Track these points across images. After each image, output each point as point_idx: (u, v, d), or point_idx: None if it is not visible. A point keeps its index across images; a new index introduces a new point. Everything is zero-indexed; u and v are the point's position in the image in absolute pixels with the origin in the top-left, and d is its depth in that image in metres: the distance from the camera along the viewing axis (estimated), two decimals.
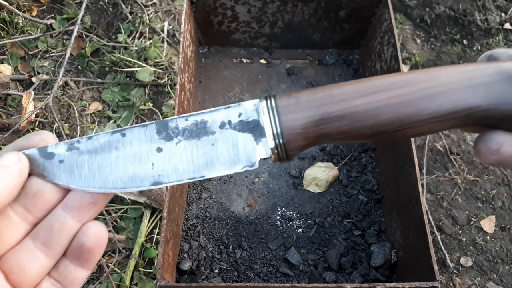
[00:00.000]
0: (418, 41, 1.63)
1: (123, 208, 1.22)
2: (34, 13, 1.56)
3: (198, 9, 1.22)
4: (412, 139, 0.96)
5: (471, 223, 1.28)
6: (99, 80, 1.45)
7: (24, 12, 1.52)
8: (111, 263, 1.14)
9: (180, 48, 1.05)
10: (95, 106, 1.40)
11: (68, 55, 1.33)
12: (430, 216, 1.26)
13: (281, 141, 0.36)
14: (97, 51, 1.50)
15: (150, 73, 1.42)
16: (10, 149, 0.35)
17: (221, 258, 1.02)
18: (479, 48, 1.61)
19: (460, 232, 1.26)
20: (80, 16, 1.39)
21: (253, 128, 0.36)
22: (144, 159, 0.35)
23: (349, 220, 1.08)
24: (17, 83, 1.43)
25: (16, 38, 1.46)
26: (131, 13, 1.56)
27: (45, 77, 1.43)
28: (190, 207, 1.09)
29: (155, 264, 1.14)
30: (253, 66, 1.34)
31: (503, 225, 1.28)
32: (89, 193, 0.35)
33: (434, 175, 1.34)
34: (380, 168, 1.15)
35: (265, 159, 0.37)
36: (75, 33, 1.36)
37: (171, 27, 1.55)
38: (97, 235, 0.34)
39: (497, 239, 1.26)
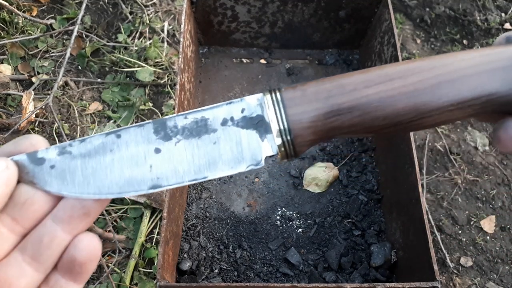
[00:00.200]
0: (418, 41, 1.63)
1: (123, 208, 1.22)
2: (34, 13, 1.56)
3: (198, 9, 1.22)
4: (412, 139, 0.96)
5: (471, 223, 1.28)
6: (99, 80, 1.45)
7: (24, 12, 1.52)
8: (111, 263, 1.14)
9: (180, 48, 1.05)
10: (95, 106, 1.40)
11: (68, 55, 1.33)
12: (430, 216, 1.26)
13: (288, 136, 0.33)
14: (97, 51, 1.50)
15: (150, 73, 1.42)
16: None
17: (221, 258, 1.02)
18: (479, 48, 1.61)
19: (460, 232, 1.26)
20: (80, 16, 1.39)
21: (258, 124, 0.34)
22: (141, 161, 0.33)
23: (349, 220, 1.08)
24: (17, 83, 1.43)
25: (16, 38, 1.46)
26: (131, 13, 1.56)
27: (45, 77, 1.43)
28: (190, 207, 1.09)
29: (155, 264, 1.14)
30: (253, 66, 1.34)
31: (503, 225, 1.28)
32: (80, 204, 0.32)
33: (434, 175, 1.34)
34: (380, 168, 1.15)
35: (271, 156, 0.34)
36: (75, 33, 1.36)
37: (171, 27, 1.55)
38: (90, 248, 0.32)
39: (497, 239, 1.26)
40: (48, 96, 1.27)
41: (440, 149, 1.39)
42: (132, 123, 1.37)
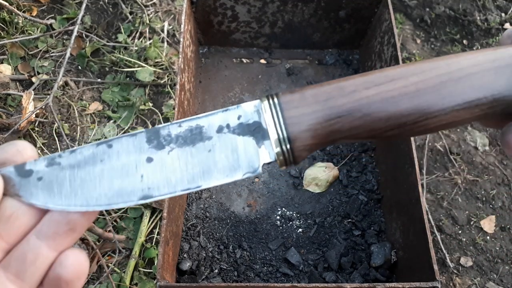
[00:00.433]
0: (418, 41, 1.63)
1: (123, 208, 1.22)
2: (34, 13, 1.56)
3: (198, 9, 1.22)
4: (412, 139, 0.96)
5: (471, 223, 1.28)
6: (99, 80, 1.45)
7: (24, 12, 1.52)
8: (111, 263, 1.14)
9: (180, 48, 1.05)
10: (95, 106, 1.40)
11: (68, 55, 1.33)
12: (430, 216, 1.26)
13: (286, 141, 0.32)
14: (97, 51, 1.50)
15: (150, 73, 1.42)
16: None
17: (221, 258, 1.02)
18: (479, 48, 1.61)
19: (460, 232, 1.26)
20: (80, 16, 1.39)
21: (254, 130, 0.33)
22: (132, 171, 0.32)
23: (349, 220, 1.08)
24: (17, 83, 1.43)
25: (16, 38, 1.46)
26: (131, 13, 1.56)
27: (45, 77, 1.43)
28: (190, 207, 1.09)
29: (155, 264, 1.14)
30: (253, 66, 1.34)
31: (503, 225, 1.28)
32: (65, 219, 0.31)
33: (434, 175, 1.34)
34: (380, 168, 1.15)
35: (269, 163, 0.33)
36: (75, 33, 1.36)
37: (171, 27, 1.55)
38: (76, 265, 0.31)
39: (497, 239, 1.26)
40: (48, 96, 1.27)
41: (440, 149, 1.39)
42: (132, 123, 1.37)
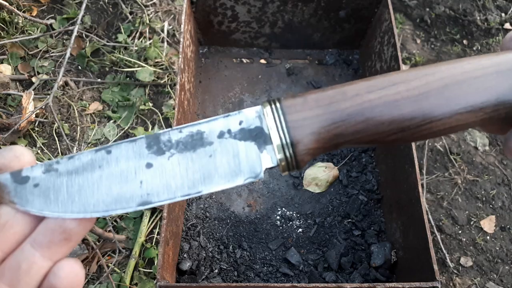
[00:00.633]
0: (418, 41, 1.63)
1: None
2: (34, 13, 1.56)
3: (198, 9, 1.22)
4: None
5: (471, 223, 1.28)
6: (99, 80, 1.45)
7: (24, 12, 1.52)
8: (111, 263, 1.14)
9: (180, 48, 1.05)
10: (95, 106, 1.40)
11: (68, 55, 1.33)
12: (430, 216, 1.26)
13: (289, 145, 0.32)
14: (97, 51, 1.50)
15: (150, 73, 1.42)
16: None
17: (221, 258, 1.02)
18: (479, 48, 1.61)
19: (460, 232, 1.26)
20: (80, 16, 1.39)
21: (256, 135, 0.32)
22: (131, 177, 0.31)
23: (349, 220, 1.08)
24: (17, 83, 1.43)
25: (16, 38, 1.46)
26: (131, 13, 1.56)
27: (45, 77, 1.43)
28: (190, 207, 1.09)
29: (155, 264, 1.14)
30: (253, 66, 1.34)
31: (503, 225, 1.28)
32: (60, 228, 0.30)
33: (434, 175, 1.34)
34: (380, 168, 1.15)
35: (271, 168, 0.33)
36: (75, 33, 1.36)
37: (171, 27, 1.55)
38: (71, 276, 0.30)
39: (497, 239, 1.26)
40: (48, 96, 1.27)
41: (440, 149, 1.39)
42: (132, 123, 1.37)
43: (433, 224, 1.25)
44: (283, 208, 1.10)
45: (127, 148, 0.32)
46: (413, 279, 0.89)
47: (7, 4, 1.41)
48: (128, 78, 1.45)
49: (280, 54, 1.36)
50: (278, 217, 1.09)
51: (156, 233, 1.19)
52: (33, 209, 0.30)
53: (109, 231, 1.15)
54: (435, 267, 0.80)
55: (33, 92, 1.33)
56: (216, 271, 1.00)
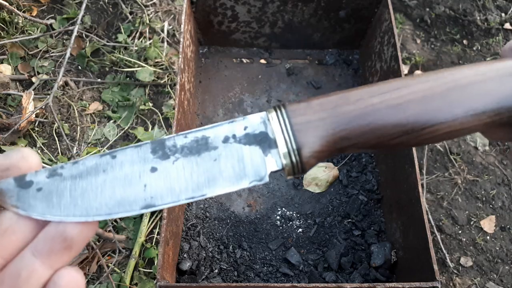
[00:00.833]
0: (418, 41, 1.63)
1: None
2: (34, 13, 1.56)
3: (198, 9, 1.22)
4: None
5: (471, 223, 1.28)
6: (99, 80, 1.45)
7: (24, 12, 1.52)
8: (111, 263, 1.14)
9: (180, 48, 1.05)
10: (95, 106, 1.40)
11: (68, 55, 1.33)
12: (430, 216, 1.26)
13: (294, 147, 0.32)
14: (97, 51, 1.50)
15: (150, 73, 1.42)
16: None
17: (221, 258, 1.02)
18: (479, 48, 1.61)
19: (460, 232, 1.26)
20: (80, 16, 1.39)
21: (261, 140, 0.33)
22: (135, 180, 0.31)
23: (349, 220, 1.08)
24: (17, 83, 1.43)
25: (16, 38, 1.46)
26: (131, 13, 1.56)
27: (45, 77, 1.43)
28: (190, 207, 1.09)
29: (155, 264, 1.14)
30: (253, 66, 1.34)
31: (503, 225, 1.28)
32: (61, 236, 0.29)
33: (434, 175, 1.34)
34: (380, 168, 1.15)
35: (276, 172, 0.33)
36: (75, 33, 1.36)
37: (171, 27, 1.55)
38: (71, 285, 0.29)
39: (497, 239, 1.26)
40: (48, 96, 1.27)
41: (440, 149, 1.39)
42: (132, 123, 1.37)
43: (433, 224, 1.25)
44: (283, 208, 1.10)
45: (132, 153, 0.32)
46: (413, 279, 0.89)
47: (7, 4, 1.41)
48: (128, 78, 1.45)
49: (280, 54, 1.36)
50: (278, 217, 1.09)
51: (156, 233, 1.19)
52: (35, 213, 0.30)
53: (109, 231, 1.15)
54: (435, 267, 0.80)
55: (33, 92, 1.33)
56: (216, 271, 1.00)
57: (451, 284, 1.18)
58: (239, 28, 1.30)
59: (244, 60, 1.35)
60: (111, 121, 1.37)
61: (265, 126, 0.33)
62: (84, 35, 1.50)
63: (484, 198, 1.32)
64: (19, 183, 0.31)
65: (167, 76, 1.45)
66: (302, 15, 1.26)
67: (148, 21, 1.53)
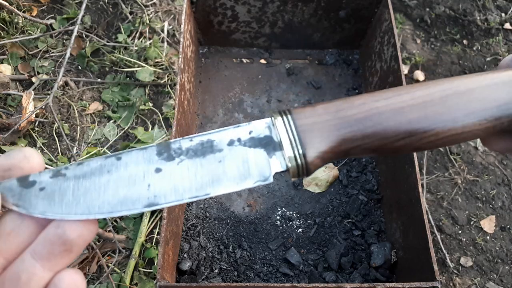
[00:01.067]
0: (418, 41, 1.63)
1: None
2: (34, 13, 1.56)
3: (198, 9, 1.22)
4: None
5: (471, 223, 1.28)
6: (99, 80, 1.45)
7: (24, 12, 1.52)
8: (111, 263, 1.14)
9: (180, 48, 1.05)
10: (95, 106, 1.40)
11: (68, 55, 1.33)
12: (430, 216, 1.26)
13: (299, 147, 0.32)
14: (97, 51, 1.50)
15: (150, 73, 1.42)
16: None
17: (221, 258, 1.02)
18: (479, 48, 1.61)
19: (460, 232, 1.26)
20: (80, 16, 1.39)
21: (266, 143, 0.33)
22: (139, 180, 0.31)
23: (349, 220, 1.08)
24: (17, 83, 1.43)
25: (16, 38, 1.46)
26: (131, 13, 1.56)
27: (45, 77, 1.43)
28: (190, 207, 1.09)
29: (155, 264, 1.14)
30: (253, 66, 1.34)
31: (503, 225, 1.28)
32: (60, 239, 0.29)
33: (434, 175, 1.34)
34: (380, 168, 1.15)
35: (281, 172, 0.33)
36: (75, 33, 1.36)
37: (171, 27, 1.55)
38: (72, 287, 0.29)
39: (497, 239, 1.26)
40: (48, 96, 1.27)
41: (440, 149, 1.39)
42: (132, 123, 1.37)
43: (433, 224, 1.25)
44: (283, 208, 1.10)
45: (137, 155, 0.32)
46: (413, 279, 0.89)
47: (7, 4, 1.41)
48: (128, 78, 1.45)
49: (280, 54, 1.36)
50: (278, 217, 1.09)
51: (156, 233, 1.19)
52: (36, 211, 0.30)
53: (109, 231, 1.15)
54: (435, 267, 0.80)
55: (33, 92, 1.33)
56: (216, 271, 1.00)
57: (451, 284, 1.18)
58: (239, 28, 1.30)
59: (244, 60, 1.35)
60: (111, 121, 1.37)
61: (269, 130, 0.34)
62: (84, 35, 1.50)
63: (484, 198, 1.32)
64: (22, 183, 0.30)
65: (167, 76, 1.45)
66: (302, 15, 1.26)
67: (148, 21, 1.53)
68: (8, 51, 1.47)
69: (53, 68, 1.47)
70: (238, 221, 1.08)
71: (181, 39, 1.07)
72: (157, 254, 1.07)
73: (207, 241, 1.04)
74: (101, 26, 1.54)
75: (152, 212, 1.22)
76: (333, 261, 1.01)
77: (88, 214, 0.30)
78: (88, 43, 1.50)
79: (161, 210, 1.21)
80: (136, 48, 1.47)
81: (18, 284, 0.29)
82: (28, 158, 0.31)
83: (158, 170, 0.32)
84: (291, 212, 1.09)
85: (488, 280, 1.20)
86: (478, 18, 1.67)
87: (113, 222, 1.20)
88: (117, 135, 1.35)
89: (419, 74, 1.54)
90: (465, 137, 0.34)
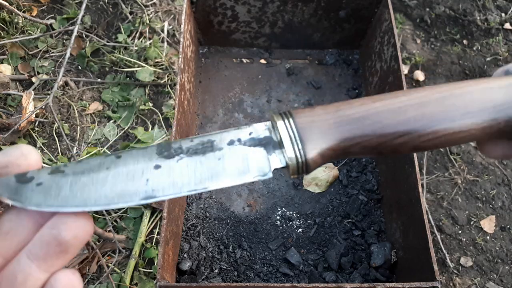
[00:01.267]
0: (418, 41, 1.63)
1: (123, 208, 1.22)
2: (34, 13, 1.56)
3: (198, 9, 1.22)
4: None
5: (471, 223, 1.28)
6: (99, 80, 1.45)
7: (24, 12, 1.52)
8: (111, 263, 1.14)
9: (180, 48, 1.05)
10: (95, 106, 1.40)
11: (68, 55, 1.33)
12: (430, 216, 1.26)
13: (298, 143, 0.33)
14: (97, 51, 1.50)
15: (150, 73, 1.42)
16: None
17: (221, 258, 1.02)
18: (479, 48, 1.61)
19: (460, 232, 1.26)
20: (80, 16, 1.39)
21: (266, 143, 0.34)
22: (137, 176, 0.31)
23: (349, 220, 1.08)
24: (17, 83, 1.43)
25: (16, 38, 1.46)
26: (131, 13, 1.56)
27: (45, 77, 1.43)
28: (190, 207, 1.09)
29: (155, 264, 1.14)
30: (253, 66, 1.34)
31: (503, 225, 1.28)
32: (56, 240, 0.29)
33: (434, 175, 1.34)
34: (380, 168, 1.15)
35: (281, 170, 0.34)
36: (75, 33, 1.36)
37: (171, 27, 1.55)
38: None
39: (497, 239, 1.26)
40: (48, 96, 1.27)
41: (440, 149, 1.39)
42: (132, 123, 1.37)
43: (433, 224, 1.25)
44: (283, 208, 1.10)
45: (137, 154, 0.33)
46: (413, 279, 0.89)
47: (7, 4, 1.41)
48: (128, 78, 1.45)
49: (280, 54, 1.36)
50: (278, 217, 1.09)
51: (156, 233, 1.19)
52: (31, 204, 0.29)
53: (109, 231, 1.15)
54: (435, 267, 0.80)
55: (33, 92, 1.33)
56: (216, 271, 1.00)
57: (451, 284, 1.18)
58: (239, 28, 1.30)
59: (244, 60, 1.35)
60: (111, 121, 1.37)
61: (269, 132, 0.34)
62: (84, 35, 1.50)
63: (484, 198, 1.32)
64: (19, 179, 0.30)
65: (167, 76, 1.45)
66: (302, 15, 1.26)
67: (148, 21, 1.53)
68: (8, 51, 1.47)
69: (53, 68, 1.47)
70: (238, 221, 1.08)
71: (181, 39, 1.07)
72: (157, 254, 1.07)
73: (207, 241, 1.04)
74: (101, 26, 1.54)
75: (152, 212, 1.22)
76: (333, 261, 1.01)
77: (84, 206, 0.30)
78: (88, 43, 1.50)
79: (161, 210, 1.21)
80: (136, 48, 1.47)
81: (14, 285, 0.29)
82: (25, 155, 0.30)
83: (157, 166, 0.32)
84: (291, 212, 1.09)
85: (488, 280, 1.20)
86: (478, 18, 1.67)
87: (113, 222, 1.20)
88: (117, 135, 1.35)
89: (419, 74, 1.54)
90: (463, 136, 0.34)
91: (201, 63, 1.33)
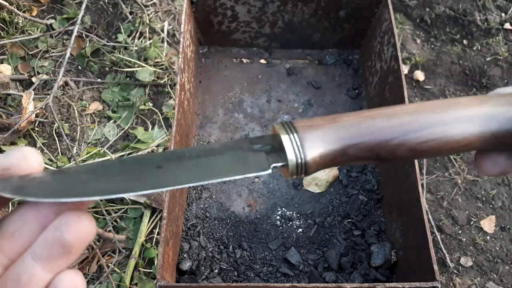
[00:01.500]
0: (418, 41, 1.63)
1: (123, 208, 1.22)
2: (34, 13, 1.56)
3: (198, 9, 1.22)
4: None
5: (471, 223, 1.28)
6: (99, 80, 1.45)
7: (24, 12, 1.52)
8: (111, 263, 1.14)
9: (180, 48, 1.05)
10: (95, 106, 1.40)
11: (68, 55, 1.33)
12: (430, 216, 1.26)
13: (298, 142, 0.34)
14: (97, 51, 1.50)
15: (150, 73, 1.42)
16: None
17: (221, 258, 1.02)
18: (479, 48, 1.61)
19: (460, 232, 1.26)
20: (80, 16, 1.39)
21: (266, 149, 0.36)
22: (139, 174, 0.33)
23: (349, 220, 1.08)
24: (17, 83, 1.43)
25: (16, 38, 1.47)
26: (131, 13, 1.56)
27: (45, 77, 1.43)
28: (190, 207, 1.09)
29: (155, 264, 1.14)
30: (253, 66, 1.34)
31: (503, 225, 1.28)
32: (59, 241, 0.29)
33: (434, 175, 1.34)
34: (380, 168, 1.15)
35: (281, 166, 0.35)
36: (75, 33, 1.36)
37: (171, 27, 1.55)
38: None
39: (497, 239, 1.26)
40: (48, 96, 1.27)
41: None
42: (132, 123, 1.37)
43: (433, 224, 1.25)
44: (283, 208, 1.10)
45: (140, 157, 0.35)
46: (413, 279, 0.89)
47: (7, 4, 1.41)
48: (128, 78, 1.45)
49: (280, 54, 1.36)
50: (278, 217, 1.09)
51: (156, 233, 1.19)
52: (29, 196, 0.30)
53: (109, 231, 1.15)
54: (435, 267, 0.80)
55: (33, 92, 1.33)
56: (216, 271, 1.00)
57: (451, 284, 1.18)
58: (239, 28, 1.30)
59: (244, 60, 1.35)
60: (111, 121, 1.38)
61: (270, 138, 0.37)
62: (84, 35, 1.50)
63: (484, 198, 1.32)
64: (23, 178, 0.31)
65: (167, 76, 1.45)
66: (302, 15, 1.26)
67: (148, 21, 1.53)
68: (8, 51, 1.47)
69: (53, 68, 1.47)
70: (238, 221, 1.08)
71: (181, 39, 1.07)
72: (157, 254, 1.07)
73: (207, 241, 1.04)
74: (101, 26, 1.54)
75: (152, 212, 1.22)
76: (333, 261, 1.01)
77: (82, 196, 0.30)
78: (88, 43, 1.50)
79: (161, 210, 1.21)
80: (136, 48, 1.47)
81: (19, 285, 0.29)
82: (26, 157, 0.31)
83: (159, 167, 0.34)
84: (291, 212, 1.09)
85: (488, 280, 1.20)
86: (478, 18, 1.67)
87: (113, 222, 1.20)
88: (117, 135, 1.35)
89: (419, 74, 1.54)
90: (459, 141, 0.35)
91: (201, 63, 1.33)
